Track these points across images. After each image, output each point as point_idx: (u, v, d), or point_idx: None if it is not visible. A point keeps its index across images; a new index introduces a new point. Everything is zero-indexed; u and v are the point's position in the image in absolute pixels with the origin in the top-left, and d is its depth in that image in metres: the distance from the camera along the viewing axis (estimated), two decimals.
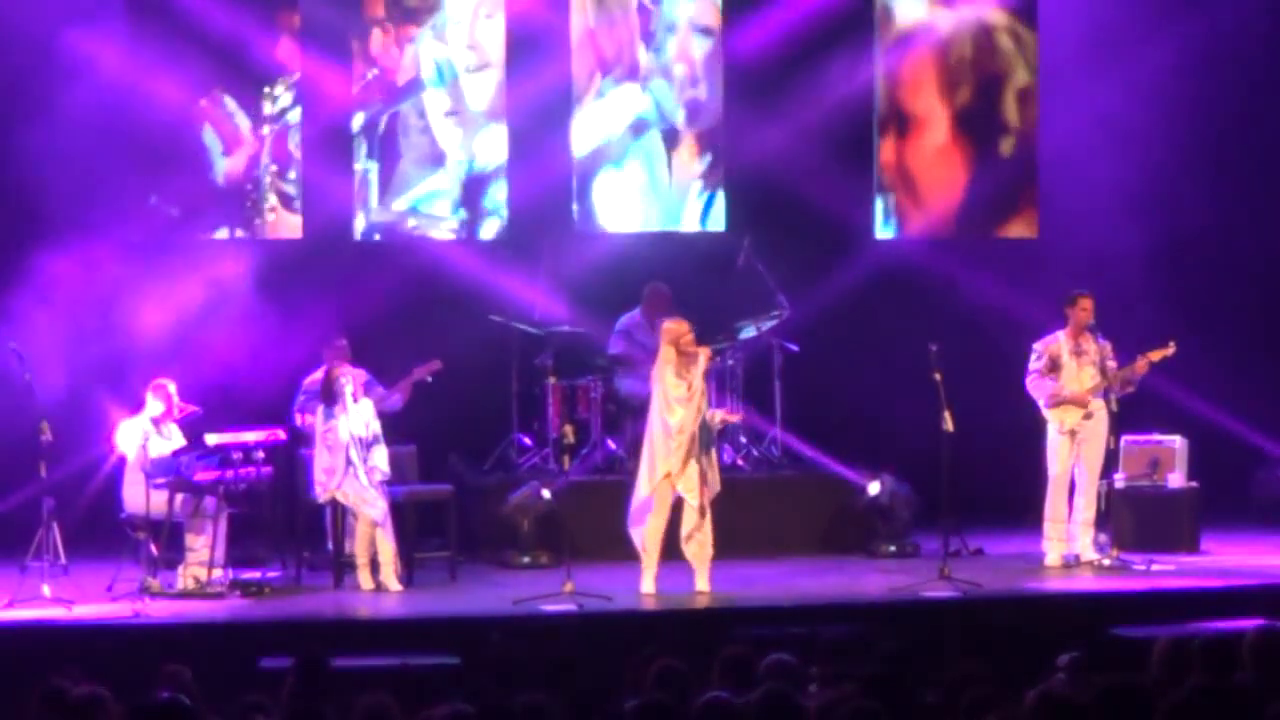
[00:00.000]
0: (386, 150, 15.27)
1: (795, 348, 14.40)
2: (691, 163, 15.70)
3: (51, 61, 14.09)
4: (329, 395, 12.26)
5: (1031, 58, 15.90)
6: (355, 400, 12.31)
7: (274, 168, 15.06)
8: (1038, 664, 7.94)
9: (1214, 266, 15.89)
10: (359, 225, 15.28)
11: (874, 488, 13.69)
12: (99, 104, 14.26)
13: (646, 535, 11.82)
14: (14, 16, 14.15)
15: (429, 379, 13.42)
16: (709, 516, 11.80)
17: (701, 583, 11.80)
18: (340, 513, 12.40)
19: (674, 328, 11.92)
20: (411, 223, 15.38)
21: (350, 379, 12.37)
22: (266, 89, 15.02)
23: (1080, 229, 15.60)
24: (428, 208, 15.38)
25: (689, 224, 15.72)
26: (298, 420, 13.06)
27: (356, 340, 13.39)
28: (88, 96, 14.18)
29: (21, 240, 13.99)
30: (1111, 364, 12.78)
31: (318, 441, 12.24)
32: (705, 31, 15.64)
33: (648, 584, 11.80)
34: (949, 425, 12.00)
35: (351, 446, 12.16)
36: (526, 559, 13.23)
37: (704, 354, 11.93)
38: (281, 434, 12.43)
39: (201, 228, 14.98)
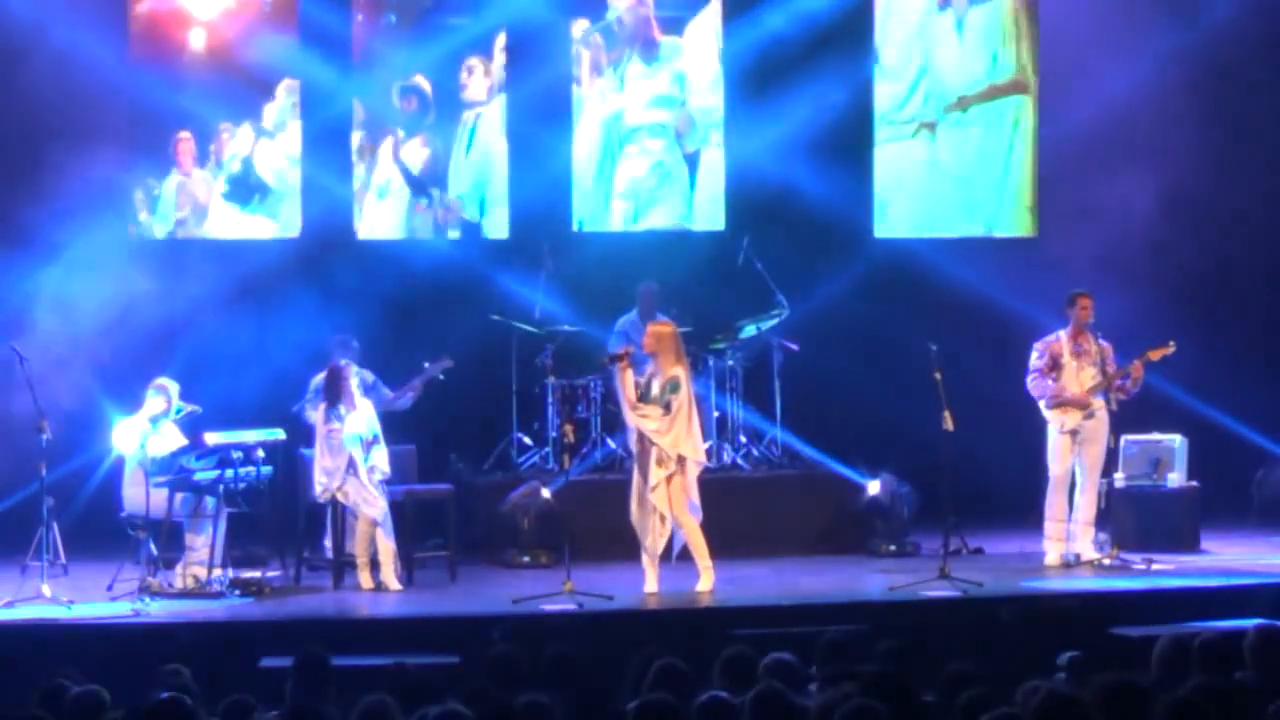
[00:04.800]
0: (387, 149, 15.30)
1: (795, 347, 14.41)
2: (691, 161, 15.73)
3: (54, 57, 14.11)
4: (334, 393, 12.24)
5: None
6: (354, 403, 12.31)
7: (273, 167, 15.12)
8: (1038, 663, 7.94)
9: (1215, 265, 15.89)
10: (359, 225, 15.30)
11: (874, 487, 13.70)
12: (98, 100, 14.28)
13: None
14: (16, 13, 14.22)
15: (441, 377, 13.44)
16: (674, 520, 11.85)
17: (703, 583, 11.81)
18: (340, 512, 12.39)
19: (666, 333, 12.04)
20: (412, 221, 15.40)
21: (354, 378, 12.37)
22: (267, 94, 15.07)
23: (1080, 229, 15.59)
24: (428, 207, 15.40)
25: (689, 223, 15.74)
26: (308, 416, 13.05)
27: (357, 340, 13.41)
28: (89, 92, 14.21)
29: (22, 236, 14.00)
30: (1111, 367, 12.78)
31: (319, 441, 12.23)
32: (706, 32, 15.67)
33: (650, 583, 11.81)
34: (949, 425, 12.00)
35: (355, 446, 12.15)
36: (526, 558, 13.23)
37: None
38: (281, 434, 12.43)
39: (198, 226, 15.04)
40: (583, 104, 15.54)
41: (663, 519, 11.73)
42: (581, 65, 15.53)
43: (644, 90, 15.64)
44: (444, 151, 15.38)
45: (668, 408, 11.69)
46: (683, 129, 15.69)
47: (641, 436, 11.76)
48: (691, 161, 15.72)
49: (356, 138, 15.26)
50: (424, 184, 15.37)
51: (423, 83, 15.32)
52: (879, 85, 15.89)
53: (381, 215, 15.34)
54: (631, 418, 11.84)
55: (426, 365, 13.51)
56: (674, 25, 15.67)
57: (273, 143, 15.06)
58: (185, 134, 14.92)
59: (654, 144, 15.67)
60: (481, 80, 15.37)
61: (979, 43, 15.97)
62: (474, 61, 15.37)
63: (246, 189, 15.08)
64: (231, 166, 15.04)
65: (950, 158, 15.99)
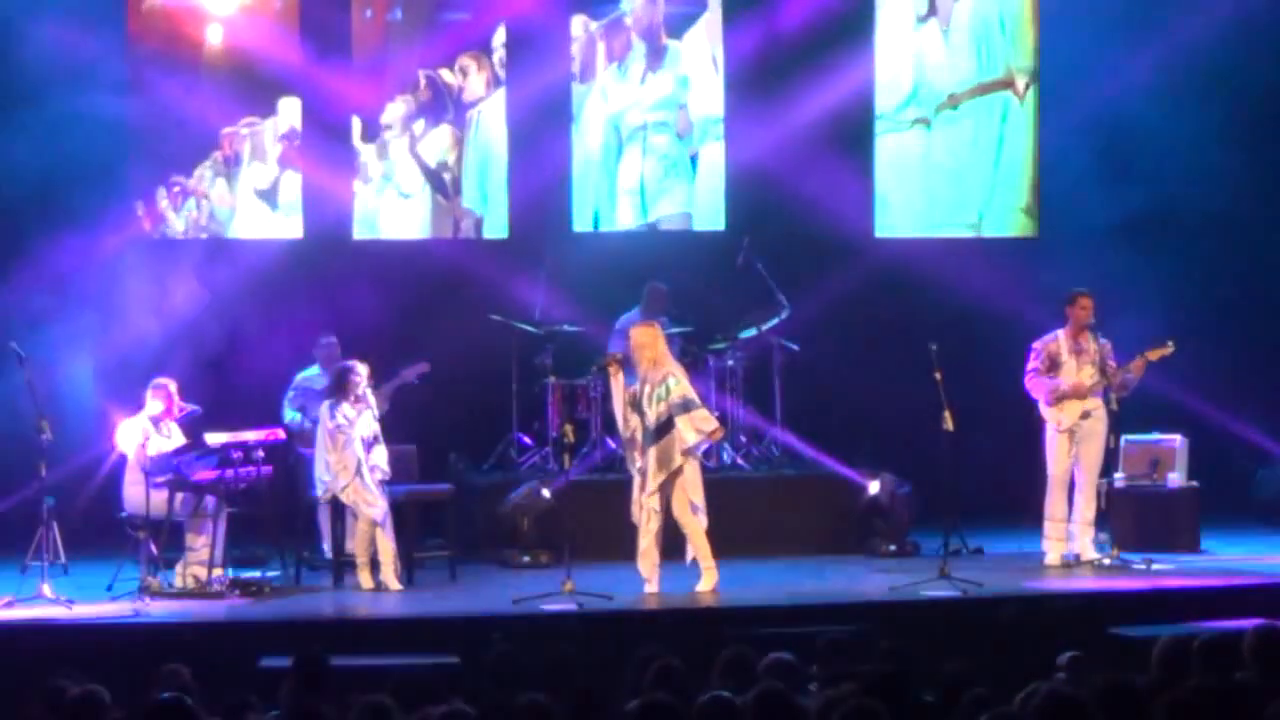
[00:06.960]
0: (402, 145, 15.31)
1: (795, 347, 14.41)
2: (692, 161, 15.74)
3: (55, 60, 14.09)
4: (341, 390, 12.21)
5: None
6: (368, 400, 12.32)
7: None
8: (1038, 663, 7.94)
9: (1214, 266, 15.88)
10: (358, 225, 15.30)
11: (874, 487, 13.70)
12: (102, 102, 14.27)
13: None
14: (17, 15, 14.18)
15: (416, 381, 13.42)
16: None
17: (704, 583, 11.82)
18: (340, 512, 12.39)
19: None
20: (437, 221, 15.41)
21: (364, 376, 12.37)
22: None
23: (1080, 229, 15.58)
24: (427, 207, 15.40)
25: (691, 211, 15.74)
26: (285, 416, 13.11)
27: (355, 340, 13.39)
28: (91, 94, 14.20)
29: (23, 236, 14.01)
30: (1111, 364, 12.79)
31: (323, 438, 12.20)
32: (706, 33, 15.67)
33: (650, 583, 11.81)
34: (949, 425, 12.01)
35: (360, 445, 12.15)
36: (526, 558, 13.23)
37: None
38: (281, 433, 12.44)
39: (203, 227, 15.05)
40: (585, 101, 15.53)
41: (651, 517, 11.72)
42: (584, 62, 15.52)
43: (649, 90, 15.62)
44: (458, 147, 15.37)
45: (659, 421, 11.69)
46: (683, 131, 15.68)
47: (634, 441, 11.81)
48: (692, 161, 15.72)
49: (365, 133, 15.23)
50: (440, 178, 15.36)
51: (444, 75, 15.29)
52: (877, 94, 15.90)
53: (403, 214, 15.32)
54: (625, 428, 11.88)
55: (402, 370, 13.47)
56: (679, 26, 15.66)
57: (284, 152, 15.06)
58: (231, 129, 14.94)
59: (659, 139, 15.66)
60: (477, 76, 15.36)
61: (965, 44, 15.94)
62: (467, 60, 15.36)
63: (273, 200, 15.11)
64: (257, 176, 15.03)
65: (944, 154, 15.98)
